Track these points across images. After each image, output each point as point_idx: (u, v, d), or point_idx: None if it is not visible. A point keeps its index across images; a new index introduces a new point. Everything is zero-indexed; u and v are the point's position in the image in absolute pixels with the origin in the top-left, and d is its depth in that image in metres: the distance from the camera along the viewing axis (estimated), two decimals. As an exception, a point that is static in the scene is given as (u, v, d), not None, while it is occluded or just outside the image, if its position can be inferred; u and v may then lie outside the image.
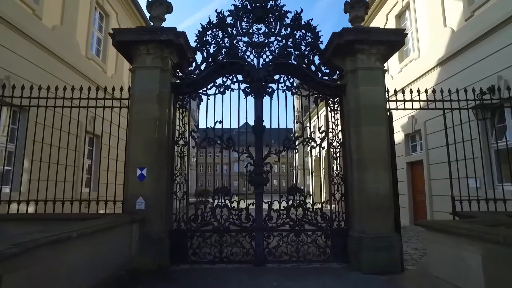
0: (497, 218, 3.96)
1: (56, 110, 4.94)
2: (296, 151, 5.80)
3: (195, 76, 5.56)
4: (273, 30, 5.70)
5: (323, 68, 5.69)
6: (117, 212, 4.88)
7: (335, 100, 5.57)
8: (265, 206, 5.29)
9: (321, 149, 5.59)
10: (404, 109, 5.36)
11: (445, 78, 8.00)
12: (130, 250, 4.55)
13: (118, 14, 10.81)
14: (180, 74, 5.70)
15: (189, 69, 5.67)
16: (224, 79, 5.56)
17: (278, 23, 5.70)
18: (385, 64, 5.44)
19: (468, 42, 7.19)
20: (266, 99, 5.54)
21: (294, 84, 5.62)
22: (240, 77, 5.57)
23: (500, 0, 6.44)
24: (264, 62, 5.56)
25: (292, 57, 5.62)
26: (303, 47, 5.64)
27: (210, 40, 5.64)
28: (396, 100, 5.28)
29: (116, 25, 10.29)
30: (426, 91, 5.36)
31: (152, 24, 5.43)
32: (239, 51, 5.61)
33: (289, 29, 5.68)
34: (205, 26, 5.64)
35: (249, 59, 5.59)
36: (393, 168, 5.11)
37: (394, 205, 5.00)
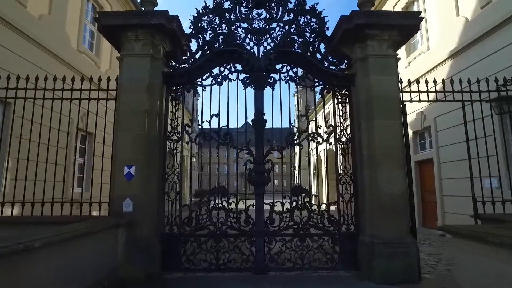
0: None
1: (41, 104, 4.52)
2: (301, 147, 5.33)
3: (189, 65, 5.10)
4: (274, 15, 5.25)
5: (329, 57, 5.23)
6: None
7: (343, 92, 5.13)
8: (267, 207, 4.85)
9: (327, 145, 5.12)
10: (419, 101, 4.91)
11: (459, 71, 7.51)
12: (116, 258, 4.09)
13: (112, 7, 10.34)
14: (174, 63, 5.23)
15: (183, 58, 5.21)
16: (221, 69, 5.10)
17: (281, 7, 5.25)
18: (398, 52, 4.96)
19: (485, 31, 6.72)
20: (267, 91, 5.06)
21: (298, 74, 5.17)
22: (238, 67, 5.12)
23: (520, -15, 5.97)
24: (265, 50, 5.12)
25: (296, 44, 5.16)
26: (307, 34, 5.18)
27: (206, 27, 5.18)
28: (410, 92, 4.79)
29: (110, 18, 9.80)
30: (443, 81, 4.88)
31: (143, 9, 4.97)
32: (238, 38, 5.16)
33: (292, 15, 5.23)
34: (201, 11, 5.18)
35: (248, 47, 5.13)
36: (408, 165, 4.64)
37: (409, 206, 4.54)
